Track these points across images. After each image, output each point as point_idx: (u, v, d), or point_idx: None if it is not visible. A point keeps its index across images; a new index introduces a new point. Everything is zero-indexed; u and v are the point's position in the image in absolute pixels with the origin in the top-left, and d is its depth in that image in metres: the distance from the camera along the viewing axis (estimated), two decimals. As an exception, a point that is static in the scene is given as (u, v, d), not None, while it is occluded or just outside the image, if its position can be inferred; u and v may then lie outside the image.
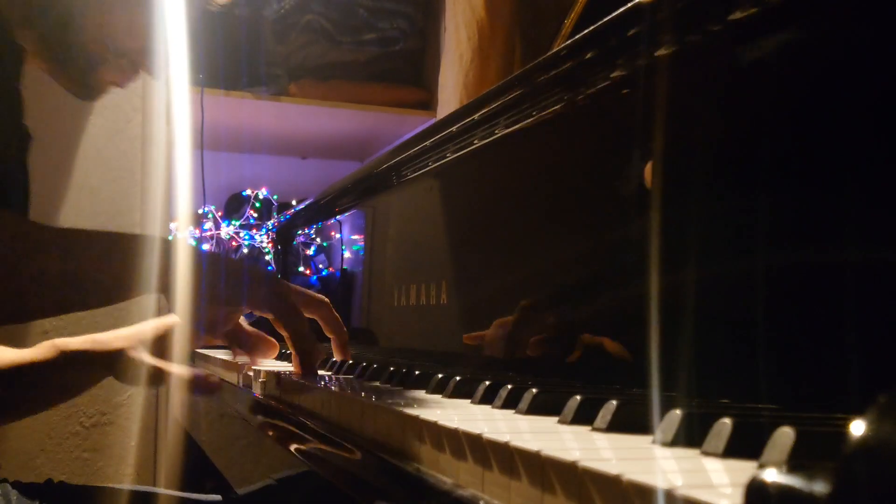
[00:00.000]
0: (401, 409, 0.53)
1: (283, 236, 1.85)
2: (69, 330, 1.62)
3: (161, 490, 1.07)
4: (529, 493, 0.37)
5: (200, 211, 2.28)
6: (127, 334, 0.80)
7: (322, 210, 1.52)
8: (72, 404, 1.65)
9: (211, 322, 0.83)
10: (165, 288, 0.80)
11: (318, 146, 2.58)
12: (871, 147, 0.45)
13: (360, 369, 0.87)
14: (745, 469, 0.33)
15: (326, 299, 0.90)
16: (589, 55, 0.67)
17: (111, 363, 0.79)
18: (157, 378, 0.77)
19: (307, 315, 0.85)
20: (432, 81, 2.19)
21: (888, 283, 0.42)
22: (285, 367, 0.95)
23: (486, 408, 0.57)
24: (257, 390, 0.91)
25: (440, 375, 0.68)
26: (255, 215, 2.37)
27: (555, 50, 0.72)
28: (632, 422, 0.45)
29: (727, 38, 0.54)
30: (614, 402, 0.45)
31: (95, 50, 0.92)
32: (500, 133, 0.82)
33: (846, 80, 0.47)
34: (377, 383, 0.79)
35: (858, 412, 0.24)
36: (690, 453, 0.38)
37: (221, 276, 0.82)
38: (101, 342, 0.78)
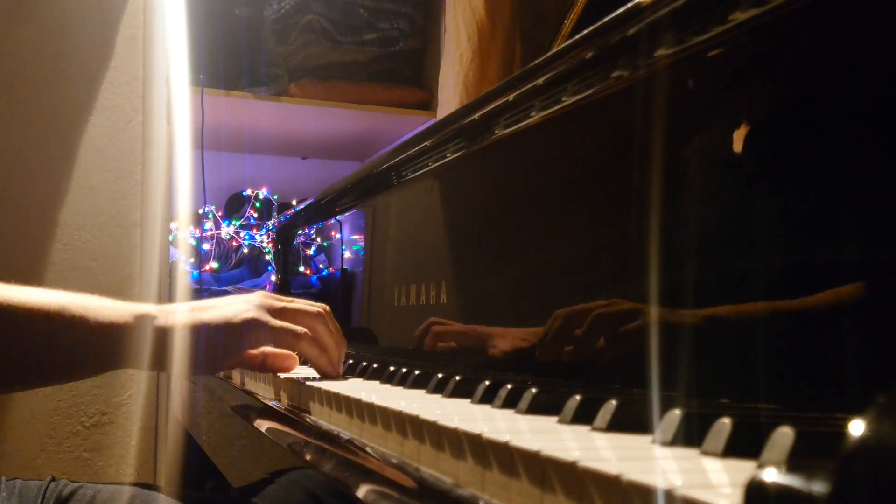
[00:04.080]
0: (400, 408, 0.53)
1: (284, 236, 1.85)
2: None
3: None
4: (529, 492, 0.37)
5: (201, 211, 2.28)
6: None
7: (322, 210, 1.52)
8: (72, 404, 1.65)
9: (213, 371, 0.81)
10: (137, 363, 0.76)
11: (318, 146, 2.58)
12: (871, 147, 0.45)
13: (360, 369, 0.87)
14: (744, 469, 0.33)
15: (323, 309, 0.84)
16: (589, 55, 0.67)
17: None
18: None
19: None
20: (432, 81, 2.19)
21: (888, 283, 0.42)
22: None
23: (486, 407, 0.57)
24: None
25: (440, 375, 0.68)
26: (256, 215, 2.37)
27: (554, 50, 0.72)
28: (631, 421, 0.45)
29: (727, 38, 0.54)
30: (614, 402, 0.45)
31: None
32: (500, 133, 0.82)
33: (846, 79, 0.47)
34: (377, 382, 0.79)
35: (858, 412, 0.24)
36: (690, 453, 0.38)
37: (200, 346, 0.77)
38: None
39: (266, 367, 0.84)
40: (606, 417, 0.45)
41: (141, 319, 0.76)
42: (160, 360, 0.77)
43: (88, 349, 0.75)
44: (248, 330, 0.79)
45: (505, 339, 0.79)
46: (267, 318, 0.80)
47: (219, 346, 0.78)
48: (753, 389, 0.48)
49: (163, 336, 0.77)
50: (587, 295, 0.68)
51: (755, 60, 0.54)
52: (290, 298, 0.85)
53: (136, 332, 0.75)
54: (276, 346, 0.83)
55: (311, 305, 0.84)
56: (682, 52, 0.58)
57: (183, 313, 0.79)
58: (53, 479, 0.93)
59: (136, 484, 0.97)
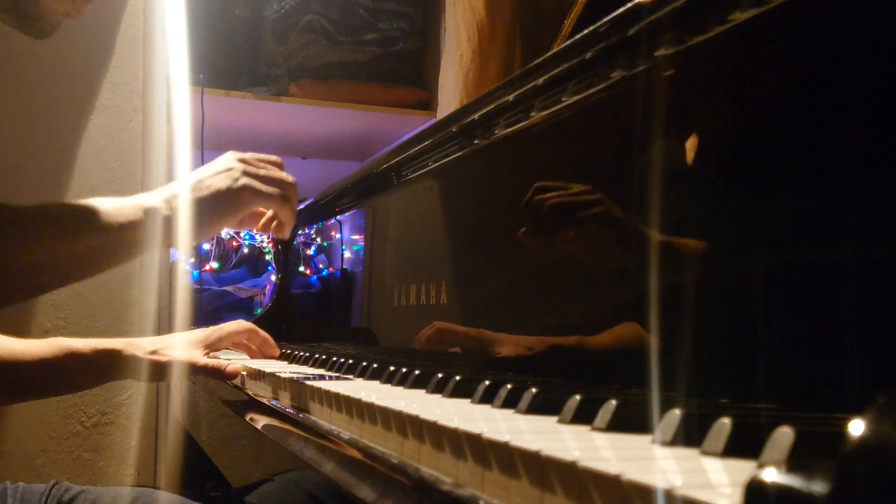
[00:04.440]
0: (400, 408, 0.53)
1: (284, 236, 1.84)
2: (69, 329, 1.62)
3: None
4: (529, 492, 0.37)
5: (201, 211, 2.28)
6: (128, 341, 0.89)
7: (322, 210, 1.52)
8: (72, 404, 1.65)
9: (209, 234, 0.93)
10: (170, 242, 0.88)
11: (318, 146, 2.58)
12: (870, 147, 0.45)
13: (360, 369, 0.87)
14: (744, 469, 0.33)
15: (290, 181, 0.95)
16: (589, 55, 0.67)
17: (111, 365, 0.86)
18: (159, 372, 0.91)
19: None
20: (432, 81, 2.19)
21: (888, 283, 0.42)
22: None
23: (486, 407, 0.57)
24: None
25: (440, 375, 0.68)
26: (256, 215, 2.37)
27: (554, 50, 0.72)
28: (631, 421, 0.45)
29: (727, 38, 0.54)
30: (614, 402, 0.45)
31: None
32: (500, 133, 0.82)
33: (846, 80, 0.47)
34: (377, 382, 0.79)
35: (857, 412, 0.24)
36: (690, 453, 0.38)
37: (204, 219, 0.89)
38: (105, 344, 0.87)
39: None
40: (606, 417, 0.45)
41: (149, 213, 0.87)
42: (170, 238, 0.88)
43: (105, 246, 0.86)
44: (242, 197, 0.91)
45: (507, 345, 0.79)
46: (257, 185, 0.92)
47: (218, 214, 0.91)
48: (753, 389, 0.48)
49: (169, 223, 0.88)
50: (587, 294, 0.68)
51: (755, 60, 0.54)
52: (261, 161, 0.95)
53: (147, 226, 0.87)
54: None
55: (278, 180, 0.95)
56: (682, 52, 0.58)
57: (184, 197, 0.89)
58: (56, 483, 0.94)
59: (137, 487, 0.98)
